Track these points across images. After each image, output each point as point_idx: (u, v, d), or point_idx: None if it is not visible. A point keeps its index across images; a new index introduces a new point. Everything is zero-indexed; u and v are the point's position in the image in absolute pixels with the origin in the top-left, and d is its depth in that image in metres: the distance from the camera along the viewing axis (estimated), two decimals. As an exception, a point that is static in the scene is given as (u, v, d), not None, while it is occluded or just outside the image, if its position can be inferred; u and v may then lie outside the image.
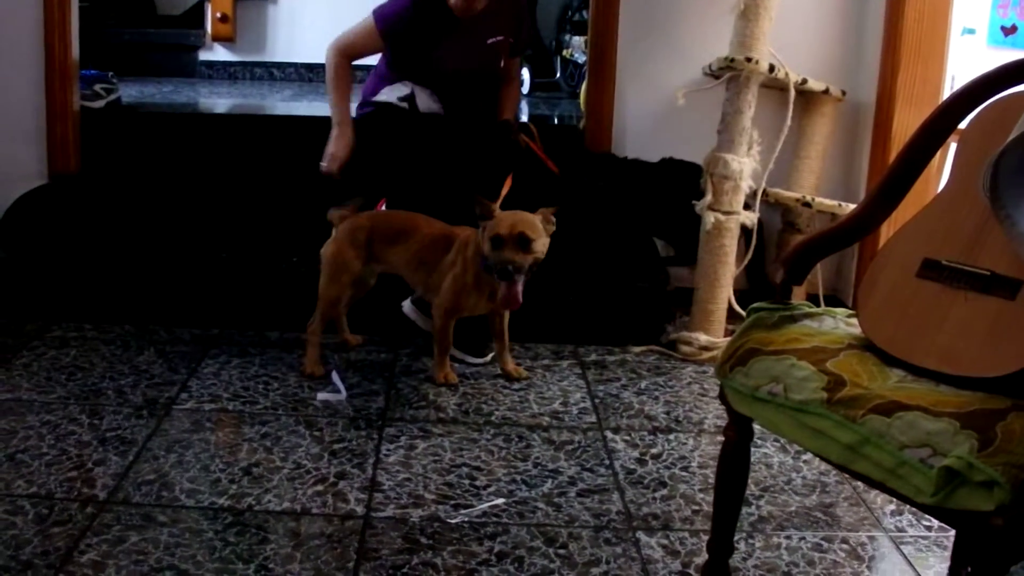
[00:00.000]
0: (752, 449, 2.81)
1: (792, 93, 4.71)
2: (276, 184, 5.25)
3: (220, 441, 3.59)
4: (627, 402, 4.07)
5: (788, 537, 3.11)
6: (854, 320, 2.65)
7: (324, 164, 4.59)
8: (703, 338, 4.59)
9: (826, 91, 4.91)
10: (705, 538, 2.93)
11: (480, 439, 3.69)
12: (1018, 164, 2.13)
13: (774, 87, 4.80)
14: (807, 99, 4.93)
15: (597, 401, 4.06)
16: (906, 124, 4.67)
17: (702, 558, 2.92)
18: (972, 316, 2.34)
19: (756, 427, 2.68)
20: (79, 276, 4.67)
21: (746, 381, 2.54)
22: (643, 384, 4.26)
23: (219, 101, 7.14)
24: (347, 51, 4.67)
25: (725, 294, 4.64)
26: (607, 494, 3.33)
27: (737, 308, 4.58)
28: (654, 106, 5.16)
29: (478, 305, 4.10)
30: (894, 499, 2.85)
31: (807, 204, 4.84)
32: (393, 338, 4.58)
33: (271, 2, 8.24)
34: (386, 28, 4.52)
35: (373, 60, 4.73)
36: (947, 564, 2.99)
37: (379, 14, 4.55)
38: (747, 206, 4.65)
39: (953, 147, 2.76)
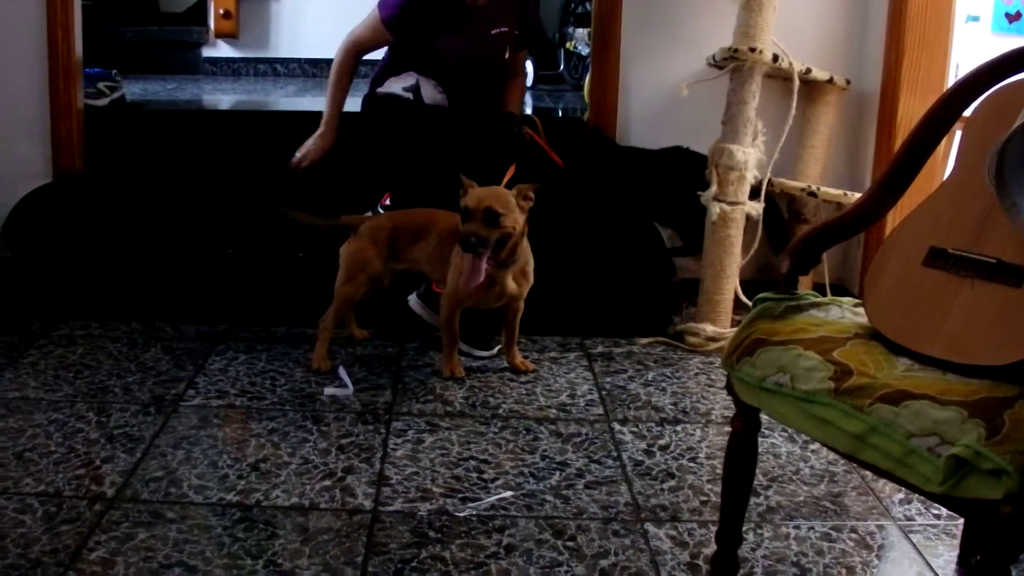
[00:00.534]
0: (760, 439, 2.82)
1: (796, 83, 4.71)
2: (281, 180, 5.25)
3: (227, 437, 3.59)
4: (634, 394, 4.07)
5: (797, 527, 3.11)
6: (860, 309, 2.64)
7: (296, 156, 4.73)
8: (710, 329, 4.58)
9: (830, 80, 4.90)
10: (714, 529, 2.93)
11: (487, 432, 3.69)
12: (1023, 152, 2.12)
13: (778, 77, 4.80)
14: (811, 88, 4.92)
15: (604, 393, 4.06)
16: (911, 112, 4.66)
17: (711, 549, 2.92)
18: (978, 304, 2.34)
19: (763, 417, 2.68)
20: (85, 274, 4.67)
21: (753, 371, 2.53)
22: (650, 375, 4.26)
23: (223, 98, 7.14)
24: (355, 46, 4.69)
25: (731, 285, 4.64)
26: (615, 486, 3.33)
27: (743, 299, 4.58)
28: (658, 97, 5.15)
29: (485, 297, 4.08)
30: (902, 488, 2.85)
31: (812, 194, 4.84)
32: (400, 332, 4.58)
33: (274, -2, 8.26)
34: (389, 18, 4.53)
35: (379, 55, 4.72)
36: (956, 552, 2.99)
37: (382, 4, 4.56)
38: (755, 194, 4.65)
39: (958, 135, 2.75)
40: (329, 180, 5.07)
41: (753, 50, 4.46)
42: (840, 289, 5.07)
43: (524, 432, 3.70)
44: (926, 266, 2.48)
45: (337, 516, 3.07)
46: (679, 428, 3.78)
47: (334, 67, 4.72)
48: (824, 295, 2.81)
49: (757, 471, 2.90)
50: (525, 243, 4.08)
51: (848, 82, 5.00)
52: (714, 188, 4.55)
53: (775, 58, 4.56)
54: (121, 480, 3.23)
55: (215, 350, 4.33)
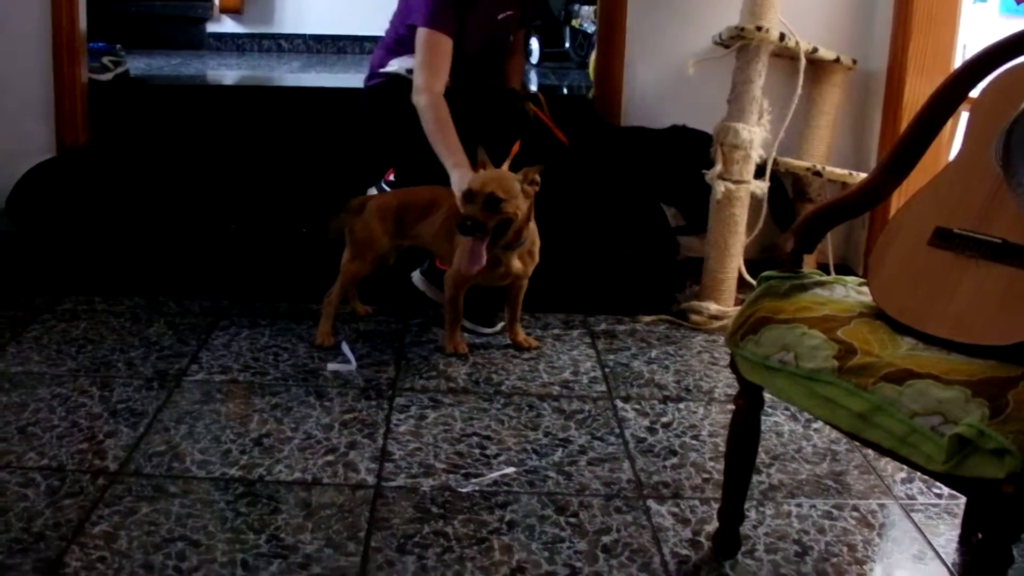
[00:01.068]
0: (762, 418, 2.82)
1: (803, 62, 4.70)
2: (285, 156, 5.25)
3: (230, 412, 3.60)
4: (637, 371, 4.07)
5: (799, 505, 3.11)
6: (865, 288, 2.65)
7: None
8: (713, 307, 4.58)
9: (837, 60, 4.90)
10: (716, 506, 2.94)
11: (490, 409, 3.70)
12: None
13: (784, 56, 4.79)
14: (818, 68, 4.92)
15: (607, 370, 4.07)
16: (917, 93, 4.66)
17: (713, 526, 2.93)
18: (984, 284, 2.34)
19: (766, 396, 2.69)
20: (89, 249, 4.67)
21: (757, 350, 2.54)
22: (653, 353, 4.26)
23: (227, 73, 7.14)
24: (431, 82, 4.31)
25: (735, 263, 4.64)
26: (617, 463, 3.34)
27: (747, 277, 4.58)
28: (664, 76, 5.15)
29: (491, 276, 4.08)
30: (905, 467, 2.86)
31: (818, 173, 4.83)
32: (403, 308, 4.59)
33: (279, -26, 8.25)
34: (438, 22, 4.33)
35: (380, 31, 4.69)
36: (958, 532, 3.00)
37: (422, 18, 4.34)
38: (760, 174, 4.65)
39: (965, 116, 2.75)
40: (333, 158, 5.08)
41: (760, 29, 4.45)
42: (844, 269, 5.08)
43: (527, 409, 3.71)
44: (931, 246, 2.48)
45: (340, 491, 3.08)
46: (682, 406, 3.78)
47: (430, 121, 4.25)
48: (828, 274, 2.82)
49: (759, 449, 2.91)
50: (532, 224, 4.08)
51: (854, 62, 5.00)
52: (719, 167, 4.55)
53: (781, 37, 4.55)
54: (124, 454, 3.23)
55: (218, 325, 4.34)
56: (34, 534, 2.76)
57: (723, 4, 4.83)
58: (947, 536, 2.99)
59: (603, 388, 3.91)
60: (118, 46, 5.83)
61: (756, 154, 4.55)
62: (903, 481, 3.28)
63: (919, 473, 2.50)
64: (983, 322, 2.30)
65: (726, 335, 2.68)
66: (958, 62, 4.53)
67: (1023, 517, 2.07)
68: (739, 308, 2.71)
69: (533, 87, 6.34)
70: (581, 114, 5.25)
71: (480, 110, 4.41)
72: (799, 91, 4.72)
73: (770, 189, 4.72)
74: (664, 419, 3.67)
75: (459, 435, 3.48)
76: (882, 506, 3.14)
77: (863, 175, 4.41)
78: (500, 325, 4.38)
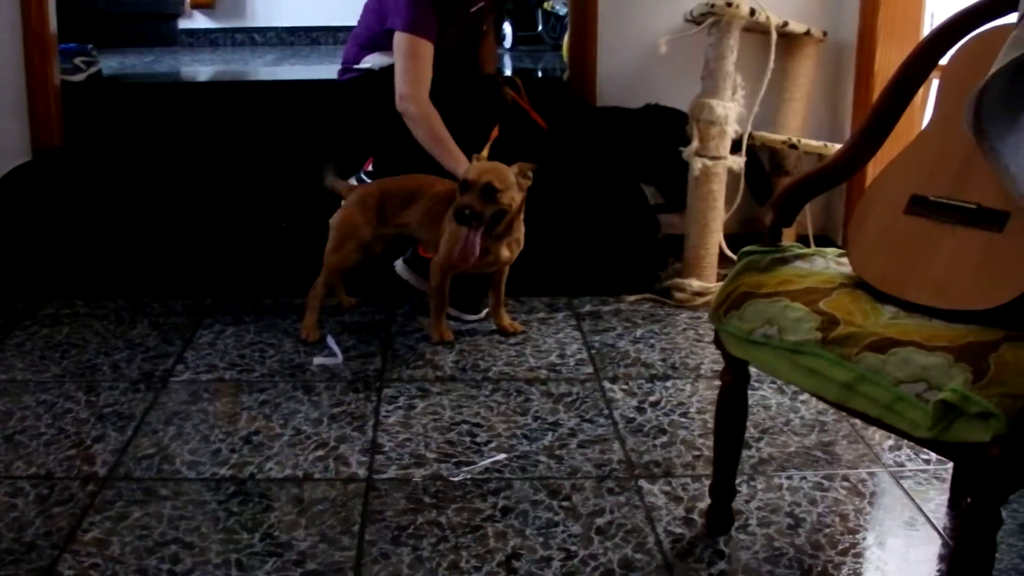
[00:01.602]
0: (749, 392, 2.83)
1: (774, 36, 4.71)
2: (262, 150, 5.25)
3: (218, 411, 3.60)
4: (623, 351, 4.08)
5: (789, 477, 3.12)
6: (845, 259, 2.66)
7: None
8: (696, 284, 4.59)
9: (807, 32, 4.91)
10: (707, 483, 2.95)
11: (479, 395, 3.70)
12: (1000, 97, 2.13)
13: (756, 31, 4.79)
14: (789, 41, 4.92)
15: (593, 352, 4.07)
16: (888, 62, 4.66)
17: (705, 503, 2.94)
18: (961, 250, 2.35)
19: (752, 370, 2.70)
20: (69, 252, 4.66)
21: (740, 325, 2.55)
22: (638, 332, 4.27)
23: (201, 69, 7.13)
24: (416, 90, 4.27)
25: (716, 239, 4.65)
26: (608, 444, 3.35)
27: (728, 252, 4.59)
28: (637, 55, 5.15)
29: (478, 264, 4.08)
30: (892, 435, 2.86)
31: (793, 146, 4.85)
32: (387, 298, 4.58)
33: (249, -34, 8.24)
34: (419, 28, 4.28)
35: (354, 21, 4.67)
36: (947, 496, 3.01)
37: (403, 23, 4.29)
38: (736, 149, 4.66)
39: (936, 83, 2.76)
40: (311, 151, 5.07)
41: (730, 4, 4.46)
42: (824, 240, 5.09)
43: (515, 394, 3.71)
44: (908, 214, 2.49)
45: (332, 486, 3.08)
46: (669, 384, 3.79)
47: (424, 134, 4.25)
48: (808, 246, 2.83)
49: (748, 423, 2.92)
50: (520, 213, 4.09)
51: (825, 34, 5.01)
52: (695, 144, 4.56)
53: (752, 12, 4.56)
54: (113, 459, 3.23)
55: (202, 324, 4.33)
56: (25, 544, 2.76)
57: (693, -19, 4.84)
58: (937, 501, 3.00)
59: (590, 370, 3.91)
60: (90, 46, 5.83)
61: (732, 129, 4.57)
62: (891, 449, 3.29)
63: (906, 440, 2.52)
64: (962, 287, 2.31)
65: (709, 311, 2.69)
66: (927, 30, 4.53)
67: (1010, 479, 2.08)
68: (721, 284, 2.71)
69: (508, 71, 6.34)
70: (558, 96, 5.25)
71: (458, 96, 4.40)
72: (771, 65, 4.73)
73: (746, 164, 4.73)
74: (652, 398, 3.68)
75: (448, 423, 3.48)
76: (872, 475, 3.15)
77: (838, 146, 4.42)
78: (485, 312, 4.38)
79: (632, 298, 4.62)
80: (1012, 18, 2.45)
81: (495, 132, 4.45)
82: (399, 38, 4.27)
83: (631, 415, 3.55)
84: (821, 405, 3.52)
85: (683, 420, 3.51)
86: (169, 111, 5.51)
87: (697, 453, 3.28)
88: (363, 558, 2.73)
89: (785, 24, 4.77)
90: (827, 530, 2.85)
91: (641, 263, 4.75)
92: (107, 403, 3.62)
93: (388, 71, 4.34)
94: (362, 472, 3.16)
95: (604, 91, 5.20)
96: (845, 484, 3.09)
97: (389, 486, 3.08)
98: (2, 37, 5.05)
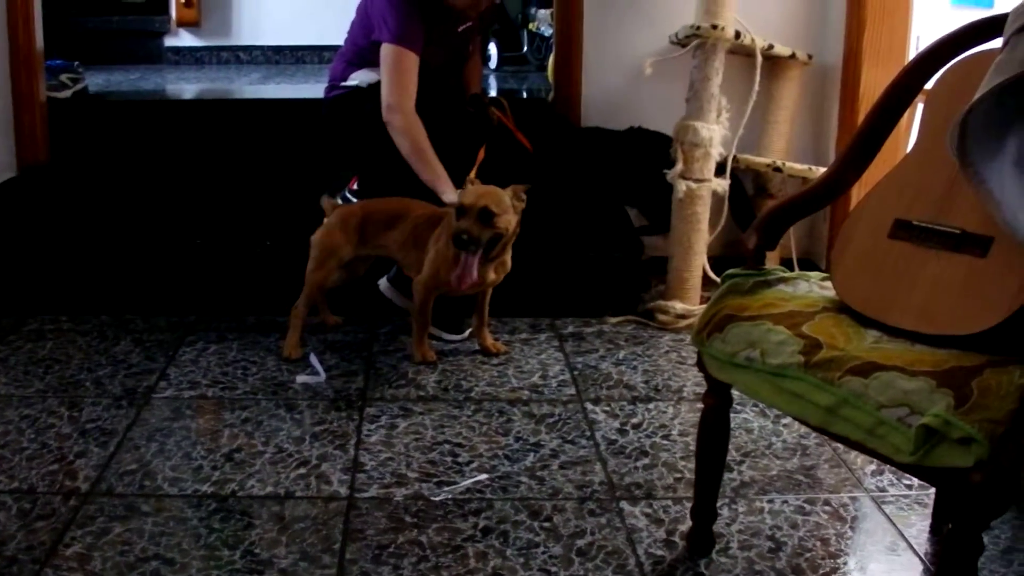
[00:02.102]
0: (732, 415, 2.83)
1: (759, 59, 4.72)
2: (247, 168, 5.25)
3: (201, 428, 3.59)
4: (606, 373, 4.08)
5: (771, 501, 3.13)
6: (828, 283, 2.66)
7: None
8: (679, 306, 4.60)
9: (793, 55, 4.92)
10: (688, 505, 2.95)
11: (461, 416, 3.70)
12: (985, 122, 2.14)
13: (741, 53, 4.81)
14: (774, 64, 4.94)
15: (576, 373, 4.07)
16: (873, 85, 4.67)
17: (686, 525, 2.94)
18: (945, 274, 2.36)
19: (735, 393, 2.71)
20: (53, 268, 4.65)
21: (723, 347, 2.55)
22: (621, 354, 4.27)
23: (186, 87, 7.12)
24: (402, 101, 4.28)
25: (699, 262, 4.65)
26: (589, 465, 3.35)
27: (712, 275, 4.59)
28: (622, 76, 5.16)
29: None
30: (874, 459, 2.87)
31: (778, 169, 4.86)
32: (371, 318, 4.58)
33: (235, -15, 8.24)
34: (406, 39, 4.29)
35: (339, 40, 4.68)
36: (929, 522, 3.02)
37: (390, 34, 4.29)
38: (720, 171, 4.67)
39: (920, 107, 2.77)
40: (296, 169, 5.08)
41: (715, 27, 4.48)
42: (807, 263, 5.10)
43: (497, 414, 3.71)
44: (892, 238, 2.50)
45: (313, 504, 3.08)
46: (651, 406, 3.79)
47: (407, 145, 4.24)
48: (791, 270, 2.83)
49: (730, 446, 2.93)
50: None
51: (810, 57, 5.02)
52: (680, 166, 4.56)
53: (737, 35, 4.57)
54: (95, 474, 3.22)
55: (185, 341, 4.33)
56: (6, 558, 2.75)
57: (678, 3, 4.86)
58: (919, 527, 3.01)
59: (572, 391, 3.92)
60: (76, 63, 5.83)
61: (716, 152, 4.58)
62: (873, 473, 3.30)
63: (889, 465, 2.52)
64: (945, 312, 2.31)
65: (692, 333, 2.70)
66: (912, 54, 4.55)
67: (992, 505, 2.09)
68: (705, 306, 2.72)
69: (492, 91, 6.35)
70: (542, 116, 5.26)
71: (445, 117, 4.40)
72: (756, 88, 4.74)
73: (729, 188, 4.74)
74: (634, 420, 3.68)
75: (430, 443, 3.48)
76: (853, 499, 3.16)
77: (823, 169, 4.43)
78: (468, 332, 4.38)
79: (615, 320, 4.63)
80: (997, 43, 2.46)
81: (482, 154, 4.46)
82: (386, 49, 4.28)
83: (613, 437, 3.55)
84: (803, 429, 3.52)
85: (665, 442, 3.51)
86: (154, 128, 5.51)
87: (679, 475, 3.28)
88: (344, 577, 2.73)
89: (770, 47, 4.79)
90: (808, 554, 2.85)
91: (624, 285, 4.75)
92: (90, 419, 3.61)
93: (375, 88, 4.35)
94: (343, 491, 3.16)
95: (588, 112, 5.21)
96: (827, 508, 3.09)
97: (370, 505, 3.08)
98: (-12, 53, 5.05)
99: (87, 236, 4.77)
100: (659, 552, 2.86)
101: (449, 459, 3.37)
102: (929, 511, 3.05)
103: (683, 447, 3.47)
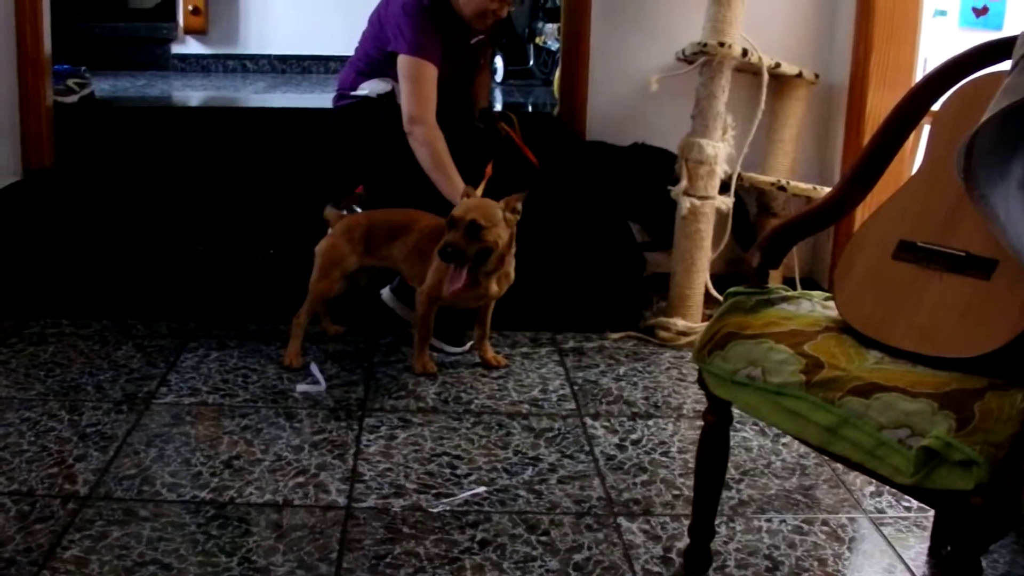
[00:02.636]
0: (731, 433, 2.83)
1: (765, 77, 4.72)
2: (251, 176, 5.25)
3: (200, 434, 3.59)
4: (606, 388, 4.08)
5: (769, 520, 3.12)
6: (831, 303, 2.66)
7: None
8: (681, 323, 4.60)
9: (799, 74, 4.92)
10: (686, 522, 2.95)
11: (460, 428, 3.70)
12: (991, 145, 2.14)
13: (747, 71, 4.81)
14: (780, 83, 4.94)
15: (576, 388, 4.07)
16: (879, 106, 4.68)
17: (683, 542, 2.94)
18: (948, 297, 2.36)
19: (735, 411, 2.70)
20: (56, 272, 4.66)
21: (724, 365, 2.55)
22: (622, 370, 4.27)
23: (192, 94, 7.12)
24: (423, 112, 4.28)
25: (702, 279, 4.65)
26: (588, 480, 3.34)
27: (714, 293, 4.59)
28: (628, 92, 5.16)
29: (461, 295, 4.09)
30: (873, 480, 2.86)
31: (782, 188, 4.86)
32: (372, 328, 4.58)
33: (242, -6, 8.25)
34: (424, 51, 4.30)
35: (349, 51, 4.69)
36: (927, 544, 3.01)
37: (407, 46, 4.30)
38: (725, 189, 4.67)
39: (927, 129, 2.77)
40: (300, 178, 5.08)
41: (722, 44, 4.48)
42: (810, 283, 5.10)
43: (497, 427, 3.71)
44: (895, 259, 2.50)
45: (311, 513, 3.08)
46: (651, 422, 3.79)
47: (427, 158, 4.24)
48: (794, 289, 2.83)
49: (729, 465, 2.92)
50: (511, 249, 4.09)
51: (817, 76, 5.02)
52: (684, 183, 4.57)
53: (744, 52, 4.57)
54: (94, 478, 3.22)
55: (187, 347, 4.33)
56: (5, 560, 2.75)
57: (686, 20, 4.86)
58: (917, 549, 3.00)
59: (572, 405, 3.91)
60: (83, 68, 5.82)
61: (721, 169, 4.58)
62: (872, 495, 3.30)
63: (888, 486, 2.52)
64: (948, 334, 2.31)
65: (693, 351, 2.70)
66: (919, 75, 4.56)
67: (991, 528, 2.08)
68: (706, 324, 2.72)
69: (498, 105, 6.35)
70: (547, 131, 5.26)
71: (454, 131, 4.40)
72: (762, 106, 4.74)
73: (732, 206, 4.74)
74: (633, 436, 3.68)
75: (429, 455, 3.48)
76: (852, 520, 3.15)
77: (827, 189, 4.43)
78: (469, 344, 4.38)
79: (616, 335, 4.63)
80: (1005, 65, 2.47)
81: (489, 170, 4.46)
82: (404, 61, 4.29)
83: (612, 452, 3.55)
84: (803, 448, 3.53)
85: (664, 459, 3.51)
86: (160, 135, 5.51)
87: (677, 492, 3.28)
88: (341, 586, 2.73)
89: (777, 65, 4.79)
90: (805, 574, 2.85)
91: (626, 301, 4.76)
92: (90, 423, 3.62)
93: (385, 98, 4.36)
94: (342, 500, 3.16)
95: (594, 127, 5.20)
96: (825, 529, 3.09)
97: (368, 515, 3.08)
98: (-4, 57, 5.06)
99: (90, 241, 4.78)
100: (656, 569, 2.85)
101: (448, 471, 3.37)
102: (928, 533, 3.05)
103: (682, 464, 3.47)
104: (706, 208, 4.57)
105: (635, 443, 3.62)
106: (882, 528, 3.11)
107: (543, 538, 2.98)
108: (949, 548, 2.15)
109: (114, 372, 4.06)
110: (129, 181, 5.20)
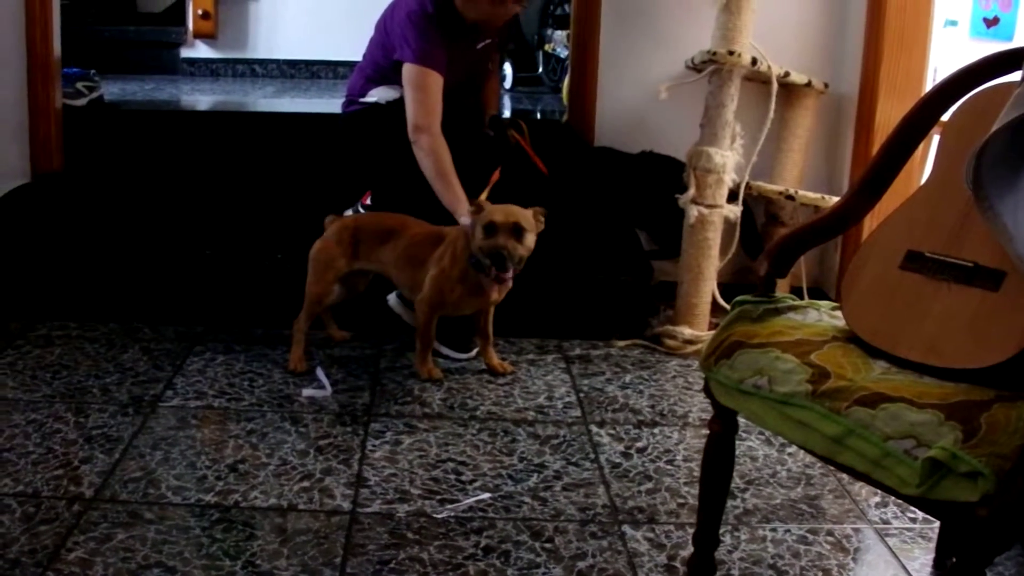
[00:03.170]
0: (737, 442, 2.82)
1: (775, 86, 4.72)
2: (259, 181, 5.25)
3: (206, 438, 3.59)
4: (612, 396, 4.08)
5: (773, 530, 3.12)
6: (838, 312, 2.66)
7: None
8: (687, 332, 4.59)
9: (808, 84, 4.92)
10: (691, 531, 2.94)
11: (465, 434, 3.70)
12: (1001, 156, 2.14)
13: (757, 80, 4.81)
14: (790, 92, 4.94)
15: (582, 395, 4.07)
16: (889, 116, 4.67)
17: (688, 551, 2.93)
18: (955, 308, 2.35)
19: (741, 420, 2.70)
20: (63, 274, 4.66)
21: (731, 374, 2.54)
22: (628, 378, 4.27)
23: (201, 98, 7.13)
24: (428, 121, 4.27)
25: (709, 287, 4.65)
26: (592, 488, 3.34)
27: (721, 301, 4.59)
28: (637, 100, 5.16)
29: (461, 303, 4.09)
30: (879, 491, 2.86)
31: (790, 197, 4.85)
32: (378, 333, 4.58)
33: (252, -1, 8.25)
34: (429, 60, 4.29)
35: (357, 56, 4.69)
36: (932, 556, 3.01)
37: (413, 55, 4.30)
38: (733, 198, 4.67)
39: (936, 139, 2.77)
40: (307, 183, 5.08)
41: (732, 53, 4.48)
42: (817, 292, 5.09)
43: (502, 434, 3.71)
44: (903, 269, 2.50)
45: (315, 517, 3.08)
46: (656, 430, 3.79)
47: (431, 167, 4.22)
48: (802, 298, 2.83)
49: (734, 473, 2.91)
50: None
51: (826, 85, 5.02)
52: (692, 191, 4.56)
53: (754, 61, 4.57)
54: (99, 481, 3.23)
55: (193, 351, 4.33)
56: (9, 560, 2.75)
57: (695, 29, 4.85)
58: (922, 560, 3.00)
59: (578, 413, 3.91)
60: (92, 71, 5.83)
61: (729, 178, 4.57)
62: (877, 505, 3.29)
63: (893, 497, 2.51)
64: (955, 345, 2.31)
65: (700, 359, 2.69)
66: (929, 85, 4.55)
67: (997, 540, 2.08)
68: (713, 332, 2.71)
69: (507, 112, 6.35)
70: (556, 136, 5.25)
71: (463, 137, 4.39)
72: (771, 115, 4.74)
73: (741, 215, 4.74)
74: (639, 444, 3.67)
75: (434, 461, 3.48)
76: (857, 530, 3.15)
77: (835, 199, 4.42)
78: (475, 351, 4.38)
79: (623, 343, 4.62)
80: (1015, 76, 2.46)
81: (496, 175, 4.46)
82: (409, 69, 4.28)
83: (617, 460, 3.54)
84: (808, 458, 3.52)
85: (669, 467, 3.51)
86: (168, 138, 5.51)
87: (682, 501, 3.28)
88: (345, 591, 2.73)
89: (786, 74, 4.79)
90: (810, 583, 2.85)
91: (633, 308, 4.75)
92: (96, 425, 3.62)
93: (394, 105, 4.36)
94: (346, 505, 3.16)
95: (602, 135, 5.20)
96: (829, 539, 3.09)
97: (372, 520, 3.08)
98: (6, 60, 5.04)
99: (98, 243, 4.78)
100: (660, 577, 2.86)
101: (452, 477, 3.37)
102: (933, 545, 3.04)
103: (687, 472, 3.46)
104: (714, 217, 4.57)
105: (640, 451, 3.62)
106: (887, 539, 3.10)
107: (547, 545, 2.98)
108: (954, 560, 2.14)
109: (120, 375, 4.06)
110: (137, 184, 5.20)
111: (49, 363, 4.14)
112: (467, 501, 3.22)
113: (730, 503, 3.20)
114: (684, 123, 4.82)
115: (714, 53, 4.51)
